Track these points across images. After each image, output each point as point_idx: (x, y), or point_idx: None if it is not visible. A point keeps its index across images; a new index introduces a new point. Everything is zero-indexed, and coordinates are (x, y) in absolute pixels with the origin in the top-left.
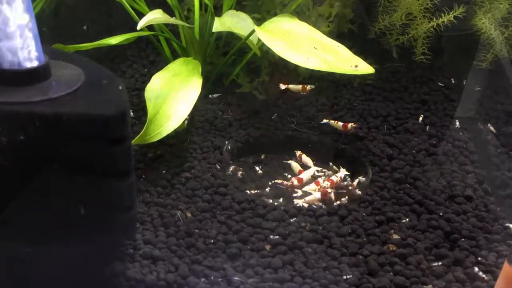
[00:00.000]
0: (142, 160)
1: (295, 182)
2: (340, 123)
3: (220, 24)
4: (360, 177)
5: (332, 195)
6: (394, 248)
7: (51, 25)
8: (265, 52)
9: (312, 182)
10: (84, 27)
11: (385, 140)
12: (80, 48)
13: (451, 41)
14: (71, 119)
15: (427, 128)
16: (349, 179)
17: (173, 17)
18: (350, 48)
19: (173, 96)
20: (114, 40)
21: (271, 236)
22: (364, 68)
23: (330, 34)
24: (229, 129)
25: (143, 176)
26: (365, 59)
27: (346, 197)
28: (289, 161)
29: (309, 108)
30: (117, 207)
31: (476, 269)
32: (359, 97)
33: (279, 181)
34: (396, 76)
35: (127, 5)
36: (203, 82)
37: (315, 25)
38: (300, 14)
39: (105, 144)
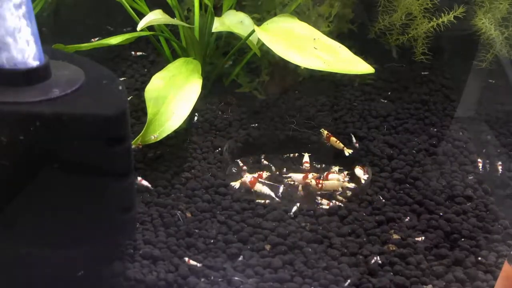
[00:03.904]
0: (142, 160)
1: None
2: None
3: (220, 24)
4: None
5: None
6: (394, 248)
7: (51, 25)
8: (265, 52)
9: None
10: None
11: (384, 140)
12: (80, 48)
13: (451, 41)
14: (71, 119)
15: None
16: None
17: (173, 17)
18: (350, 48)
19: (173, 96)
20: (114, 40)
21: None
22: (364, 68)
23: (330, 34)
24: (229, 129)
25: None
26: (365, 59)
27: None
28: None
29: (309, 108)
30: (117, 207)
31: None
32: (359, 97)
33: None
34: (396, 76)
35: (127, 5)
36: (203, 82)
37: (315, 25)
38: (300, 14)
39: (105, 144)
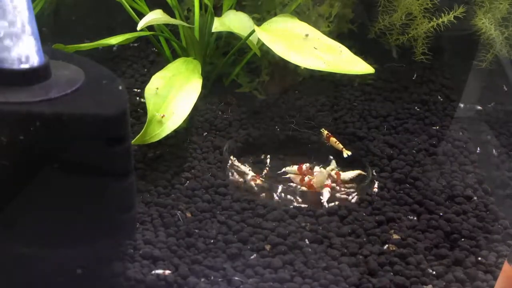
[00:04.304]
0: (142, 160)
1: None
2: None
3: (220, 24)
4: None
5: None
6: (394, 248)
7: (51, 25)
8: (265, 52)
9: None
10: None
11: (384, 140)
12: (80, 48)
13: (451, 41)
14: (71, 119)
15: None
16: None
17: (173, 17)
18: (350, 48)
19: (173, 96)
20: (114, 40)
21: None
22: (364, 68)
23: (330, 34)
24: (229, 129)
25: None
26: (365, 59)
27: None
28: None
29: (309, 108)
30: (117, 207)
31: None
32: (359, 97)
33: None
34: (396, 76)
35: (127, 5)
36: (203, 82)
37: (315, 25)
38: (300, 14)
39: (105, 144)
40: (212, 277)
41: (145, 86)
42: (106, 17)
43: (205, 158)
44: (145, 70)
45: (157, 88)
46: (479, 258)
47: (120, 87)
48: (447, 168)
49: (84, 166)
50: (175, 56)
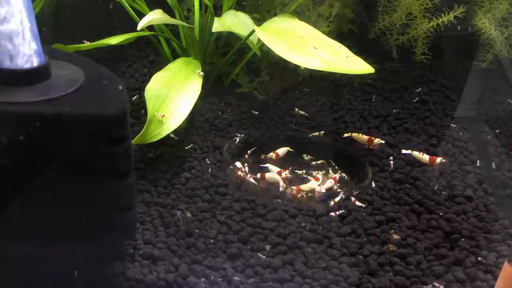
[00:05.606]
0: (142, 160)
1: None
2: (427, 156)
3: (220, 24)
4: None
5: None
6: (394, 248)
7: (51, 25)
8: (265, 52)
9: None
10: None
11: (384, 140)
12: (80, 48)
13: (451, 41)
14: (71, 119)
15: None
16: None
17: (173, 17)
18: (350, 48)
19: (173, 96)
20: (114, 40)
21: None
22: (364, 68)
23: (330, 34)
24: (229, 129)
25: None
26: (365, 59)
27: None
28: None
29: (309, 108)
30: (117, 207)
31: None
32: (359, 97)
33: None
34: (396, 76)
35: (127, 5)
36: (203, 82)
37: (315, 25)
38: (300, 14)
39: (105, 144)
40: (212, 277)
41: (145, 86)
42: (106, 17)
43: (205, 158)
44: (145, 70)
45: (157, 88)
46: (479, 258)
47: (120, 87)
48: (447, 168)
49: (84, 166)
50: (175, 56)
